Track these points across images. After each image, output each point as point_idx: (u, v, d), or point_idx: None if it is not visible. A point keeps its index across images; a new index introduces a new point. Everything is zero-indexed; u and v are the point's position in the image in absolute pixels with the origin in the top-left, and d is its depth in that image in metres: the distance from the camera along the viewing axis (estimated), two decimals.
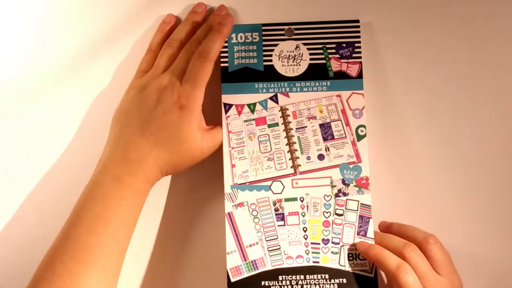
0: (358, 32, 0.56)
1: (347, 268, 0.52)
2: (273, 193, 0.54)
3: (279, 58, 0.56)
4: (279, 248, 0.53)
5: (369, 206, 0.53)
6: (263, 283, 0.52)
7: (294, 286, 0.52)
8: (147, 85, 0.52)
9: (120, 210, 0.48)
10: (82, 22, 0.57)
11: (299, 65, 0.56)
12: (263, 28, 0.56)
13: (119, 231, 0.48)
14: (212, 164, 0.54)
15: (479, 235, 0.54)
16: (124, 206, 0.49)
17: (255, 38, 0.56)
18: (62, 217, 0.54)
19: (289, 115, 0.55)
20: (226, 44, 0.56)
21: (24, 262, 0.54)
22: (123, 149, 0.50)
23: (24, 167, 0.56)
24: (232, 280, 0.52)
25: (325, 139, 0.55)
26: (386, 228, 0.53)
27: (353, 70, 0.56)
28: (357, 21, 0.56)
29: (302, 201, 0.53)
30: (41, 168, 0.56)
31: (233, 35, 0.56)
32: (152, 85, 0.51)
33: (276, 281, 0.52)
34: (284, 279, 0.52)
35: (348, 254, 0.52)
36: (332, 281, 0.52)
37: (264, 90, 0.55)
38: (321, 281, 0.52)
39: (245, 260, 0.52)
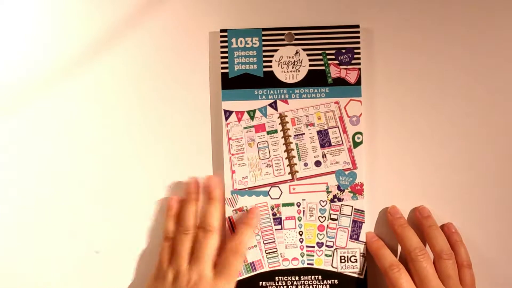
0: (358, 37, 0.56)
1: (339, 270, 0.56)
2: (271, 199, 0.56)
3: (278, 64, 0.56)
4: (276, 251, 0.56)
5: (363, 211, 0.56)
6: (260, 283, 0.56)
7: (290, 286, 0.55)
8: (176, 281, 0.53)
9: None
10: (81, 22, 0.56)
11: (299, 71, 0.56)
12: (263, 32, 0.56)
13: None
14: (213, 170, 0.56)
15: (476, 239, 0.56)
16: None
17: (255, 43, 0.56)
18: (60, 218, 0.57)
19: (287, 122, 0.56)
20: (226, 49, 0.56)
21: (23, 260, 0.57)
22: None
23: (22, 167, 0.57)
24: None
25: (322, 146, 0.56)
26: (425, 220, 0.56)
27: (351, 77, 0.56)
28: (357, 26, 0.56)
29: (298, 206, 0.56)
30: (39, 169, 0.57)
31: (233, 40, 0.56)
32: (181, 282, 0.52)
33: (273, 282, 0.56)
34: (280, 279, 0.56)
35: (341, 257, 0.56)
36: (325, 282, 0.56)
37: (264, 97, 0.56)
38: (314, 282, 0.56)
39: (244, 262, 0.56)
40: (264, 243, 0.56)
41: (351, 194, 0.56)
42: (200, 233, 0.54)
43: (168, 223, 0.56)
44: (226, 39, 0.56)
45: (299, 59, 0.56)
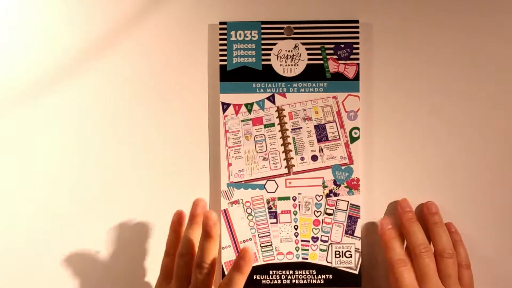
0: (357, 32, 0.56)
1: (334, 264, 0.56)
2: (267, 192, 0.56)
3: (277, 58, 0.56)
4: (271, 245, 0.56)
5: (358, 206, 0.56)
6: (254, 277, 0.55)
7: (284, 280, 0.55)
8: None
9: None
10: (80, 18, 0.56)
11: (297, 65, 0.56)
12: (262, 26, 0.56)
13: None
14: (209, 163, 0.56)
15: (472, 237, 0.56)
16: None
17: (254, 36, 0.56)
18: (59, 217, 0.57)
19: (285, 116, 0.56)
20: (225, 42, 0.56)
21: (22, 260, 0.57)
22: None
23: (22, 168, 0.57)
24: (226, 273, 0.55)
25: (319, 141, 0.56)
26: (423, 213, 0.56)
27: (350, 72, 0.56)
28: (357, 21, 0.56)
29: (294, 200, 0.56)
30: (39, 170, 0.57)
31: (232, 32, 0.56)
32: None
33: (267, 275, 0.55)
34: (274, 273, 0.56)
35: (336, 251, 0.56)
36: (319, 276, 0.56)
37: (262, 90, 0.56)
38: (309, 276, 0.56)
39: None
40: (259, 237, 0.56)
41: (347, 189, 0.56)
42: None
43: (170, 236, 0.54)
44: (225, 31, 0.56)
45: (298, 53, 0.56)
